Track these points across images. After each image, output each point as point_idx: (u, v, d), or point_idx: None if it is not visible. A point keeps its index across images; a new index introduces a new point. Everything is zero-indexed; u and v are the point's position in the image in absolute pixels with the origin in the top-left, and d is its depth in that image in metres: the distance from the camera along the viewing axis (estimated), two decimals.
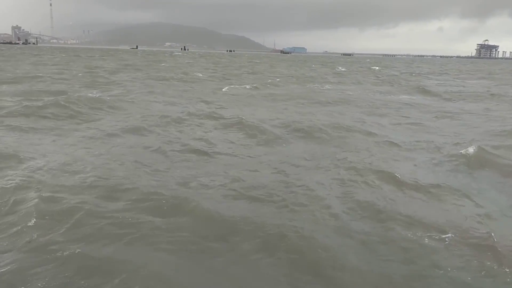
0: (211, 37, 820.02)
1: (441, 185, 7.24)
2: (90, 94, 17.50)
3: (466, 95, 24.35)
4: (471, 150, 9.20)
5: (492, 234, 5.33)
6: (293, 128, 12.00)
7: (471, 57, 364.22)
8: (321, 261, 4.73)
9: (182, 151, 9.16)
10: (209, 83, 27.67)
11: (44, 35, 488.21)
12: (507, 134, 12.15)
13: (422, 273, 4.52)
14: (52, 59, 57.85)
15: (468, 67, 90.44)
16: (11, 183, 6.60)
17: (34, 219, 5.36)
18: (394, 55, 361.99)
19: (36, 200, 5.89)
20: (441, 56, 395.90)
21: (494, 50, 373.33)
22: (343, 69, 57.36)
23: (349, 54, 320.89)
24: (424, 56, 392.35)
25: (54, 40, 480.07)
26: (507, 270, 4.58)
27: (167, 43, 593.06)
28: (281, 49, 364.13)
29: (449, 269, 4.59)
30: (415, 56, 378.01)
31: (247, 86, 24.80)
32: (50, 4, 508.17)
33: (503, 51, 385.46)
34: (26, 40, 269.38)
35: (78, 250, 4.66)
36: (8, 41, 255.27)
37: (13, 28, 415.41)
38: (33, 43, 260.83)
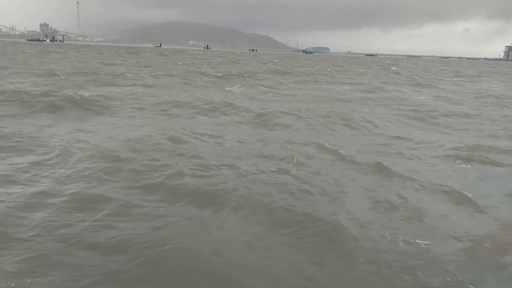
0: (234, 36, 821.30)
1: None
2: None
3: None
4: None
5: None
6: None
7: (499, 59, 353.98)
8: None
9: None
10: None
11: (71, 33, 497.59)
12: None
13: None
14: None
15: None
16: None
17: None
18: (419, 56, 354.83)
19: None
20: (467, 58, 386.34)
21: None
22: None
23: (373, 55, 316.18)
24: (450, 57, 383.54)
25: (80, 38, 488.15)
26: None
27: (190, 42, 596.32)
28: (303, 48, 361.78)
29: None
30: (441, 57, 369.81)
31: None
32: (77, 3, 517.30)
33: None
34: (53, 38, 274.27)
35: None
36: (36, 38, 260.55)
37: (41, 25, 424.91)
38: (60, 41, 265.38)
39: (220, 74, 33.11)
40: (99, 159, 8.04)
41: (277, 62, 68.27)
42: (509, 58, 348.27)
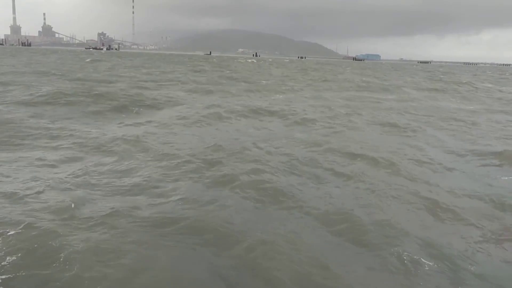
0: (283, 43, 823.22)
1: None
2: None
3: None
4: None
5: None
6: None
7: None
8: None
9: None
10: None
11: (126, 41, 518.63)
12: None
13: None
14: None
15: None
16: None
17: None
18: (476, 64, 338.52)
19: None
20: None
21: None
22: None
23: (427, 62, 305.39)
24: (510, 65, 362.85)
25: (135, 46, 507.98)
26: None
27: (240, 49, 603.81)
28: (353, 56, 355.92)
29: None
30: (500, 65, 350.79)
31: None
32: (133, 12, 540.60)
33: None
34: (109, 46, 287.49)
35: None
36: (93, 47, 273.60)
37: (99, 34, 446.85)
38: (115, 49, 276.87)
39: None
40: None
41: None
42: None
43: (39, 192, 6.48)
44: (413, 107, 20.91)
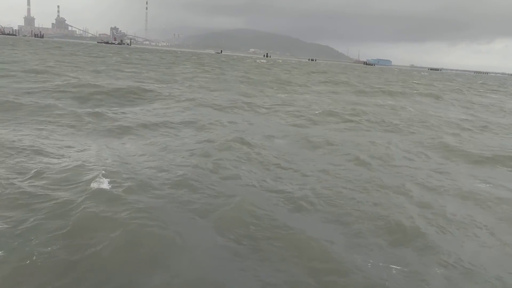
0: (294, 45, 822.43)
1: None
2: None
3: None
4: None
5: None
6: None
7: None
8: None
9: None
10: None
11: (138, 37, 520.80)
12: None
13: None
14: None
15: None
16: None
17: None
18: (487, 73, 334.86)
19: None
20: None
21: None
22: None
23: (437, 69, 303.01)
24: None
25: (147, 42, 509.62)
26: None
27: (251, 49, 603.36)
28: (364, 60, 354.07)
29: None
30: (511, 75, 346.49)
31: None
32: (146, 8, 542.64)
33: None
34: (121, 41, 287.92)
35: None
36: (105, 41, 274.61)
37: (112, 29, 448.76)
38: (127, 44, 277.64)
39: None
40: None
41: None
42: None
43: None
44: None
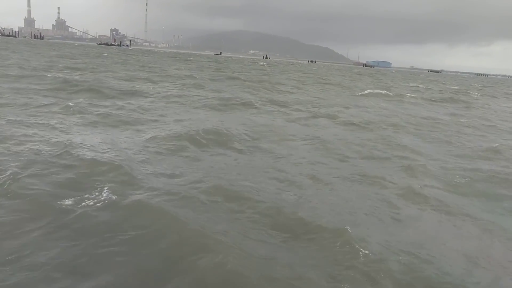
0: (294, 46, 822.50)
1: None
2: None
3: None
4: None
5: None
6: None
7: None
8: None
9: None
10: None
11: (138, 38, 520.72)
12: None
13: None
14: None
15: None
16: None
17: None
18: (487, 75, 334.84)
19: None
20: None
21: None
22: None
23: (437, 71, 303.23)
24: None
25: (146, 43, 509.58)
26: None
27: (251, 51, 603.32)
28: (364, 62, 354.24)
29: None
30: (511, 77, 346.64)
31: None
32: (146, 10, 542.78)
33: None
34: (120, 42, 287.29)
35: None
36: (105, 43, 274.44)
37: (111, 30, 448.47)
38: (127, 45, 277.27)
39: None
40: None
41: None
42: None
43: None
44: None
